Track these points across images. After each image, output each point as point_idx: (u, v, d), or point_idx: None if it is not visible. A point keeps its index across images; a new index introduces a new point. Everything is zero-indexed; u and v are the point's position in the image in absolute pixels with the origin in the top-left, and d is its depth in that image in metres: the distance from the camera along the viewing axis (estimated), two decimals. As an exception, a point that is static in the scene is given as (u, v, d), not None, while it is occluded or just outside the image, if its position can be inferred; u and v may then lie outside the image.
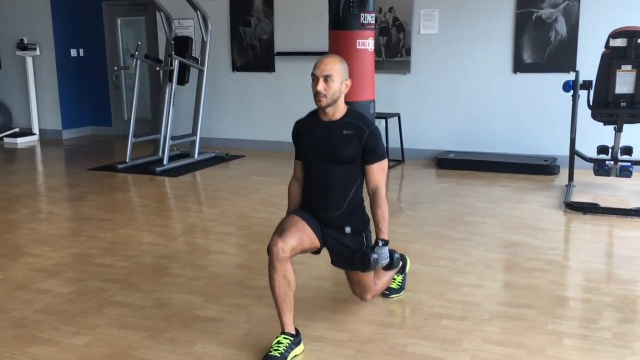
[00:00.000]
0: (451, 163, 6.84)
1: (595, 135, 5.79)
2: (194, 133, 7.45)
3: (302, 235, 2.89)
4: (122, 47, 9.46)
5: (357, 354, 2.86)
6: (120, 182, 6.60)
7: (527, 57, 6.77)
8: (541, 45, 6.68)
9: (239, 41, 8.05)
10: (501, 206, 5.26)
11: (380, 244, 2.92)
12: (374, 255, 2.87)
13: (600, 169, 5.48)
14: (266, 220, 4.99)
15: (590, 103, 5.24)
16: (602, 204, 5.05)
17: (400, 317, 3.28)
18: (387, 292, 3.44)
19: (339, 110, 2.92)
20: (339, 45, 5.29)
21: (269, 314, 3.25)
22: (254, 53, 8.01)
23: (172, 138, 7.18)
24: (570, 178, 5.77)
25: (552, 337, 2.96)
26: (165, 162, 7.00)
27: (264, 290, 3.54)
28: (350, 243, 3.01)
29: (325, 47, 7.37)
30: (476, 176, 6.41)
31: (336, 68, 2.83)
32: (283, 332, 2.83)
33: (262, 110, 8.10)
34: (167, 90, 7.41)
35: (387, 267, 2.98)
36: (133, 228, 4.91)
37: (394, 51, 7.29)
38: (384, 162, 2.97)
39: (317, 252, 3.09)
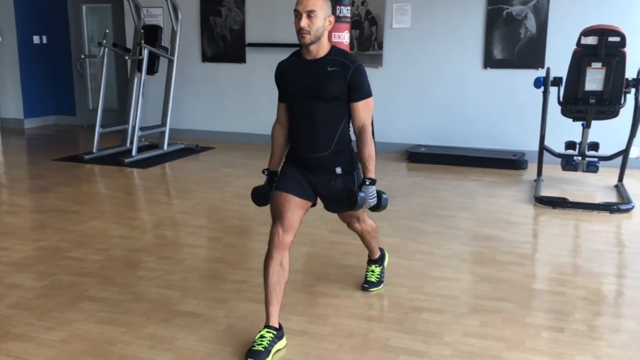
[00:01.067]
0: (422, 157, 6.89)
1: (562, 131, 5.90)
2: (164, 124, 7.33)
3: (298, 210, 2.88)
4: (87, 35, 9.24)
5: (340, 348, 2.86)
6: (87, 173, 6.46)
7: (497, 53, 6.85)
8: (511, 41, 6.78)
9: (210, 31, 7.94)
10: (473, 200, 5.33)
11: (367, 182, 2.86)
12: (361, 194, 2.82)
13: (568, 164, 5.59)
14: (240, 213, 4.96)
15: (560, 99, 5.33)
16: (571, 199, 5.16)
17: (380, 310, 3.30)
18: (367, 286, 3.45)
19: (323, 48, 2.85)
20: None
21: (249, 309, 3.24)
22: (225, 43, 7.92)
23: (141, 129, 7.05)
24: (539, 173, 5.88)
25: (530, 329, 3.02)
26: (134, 153, 6.88)
27: (243, 284, 3.54)
28: (342, 184, 2.95)
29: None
30: (447, 170, 6.48)
31: (319, 3, 2.75)
32: (267, 326, 2.81)
33: (232, 101, 8.02)
34: (136, 80, 7.27)
35: (375, 208, 2.92)
36: (104, 220, 4.81)
37: (366, 44, 7.30)
38: (370, 100, 2.91)
39: (312, 205, 3.06)
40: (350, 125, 2.94)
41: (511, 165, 6.56)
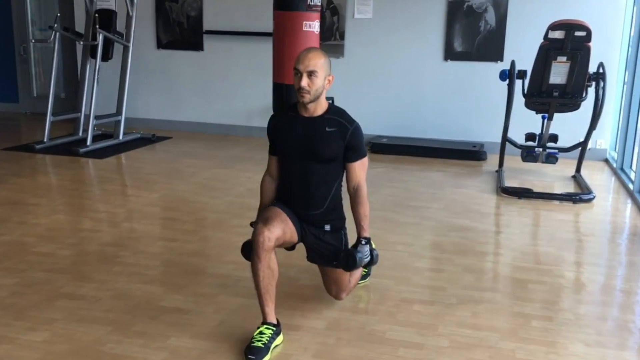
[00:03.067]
0: (384, 148, 6.92)
1: (520, 123, 6.02)
2: (119, 113, 7.08)
3: (285, 227, 2.81)
4: (30, 18, 8.80)
5: (338, 342, 2.83)
6: (40, 164, 6.17)
7: (458, 46, 6.94)
8: (471, 34, 6.87)
9: (165, 17, 7.71)
10: (442, 191, 5.39)
11: (362, 242, 2.90)
12: (359, 254, 2.85)
13: (529, 155, 5.73)
14: (211, 205, 4.85)
15: (525, 92, 5.45)
16: (533, 189, 5.28)
17: (372, 303, 3.28)
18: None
19: (321, 107, 2.85)
20: (285, 27, 5.18)
21: (238, 303, 3.16)
22: (181, 30, 7.70)
23: (96, 117, 6.78)
24: (501, 164, 6.01)
25: (520, 319, 3.07)
26: (89, 143, 6.61)
27: (227, 278, 3.46)
28: (330, 240, 2.97)
29: (260, 27, 7.28)
30: (410, 161, 6.54)
31: (320, 63, 2.75)
32: (265, 322, 2.75)
33: (189, 90, 7.82)
34: (89, 66, 6.99)
35: (367, 265, 2.97)
36: (68, 214, 4.60)
37: (328, 34, 7.25)
38: (365, 160, 2.95)
39: (292, 247, 3.03)
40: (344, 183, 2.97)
41: (471, 156, 6.67)
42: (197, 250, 3.95)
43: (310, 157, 2.84)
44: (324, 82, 2.78)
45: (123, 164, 6.36)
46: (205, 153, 6.65)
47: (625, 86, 6.33)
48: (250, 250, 2.82)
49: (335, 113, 2.88)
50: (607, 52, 6.18)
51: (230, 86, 7.55)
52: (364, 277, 3.44)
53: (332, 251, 2.96)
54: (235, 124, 7.57)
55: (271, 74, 6.15)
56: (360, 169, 2.92)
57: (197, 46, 7.68)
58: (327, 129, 2.82)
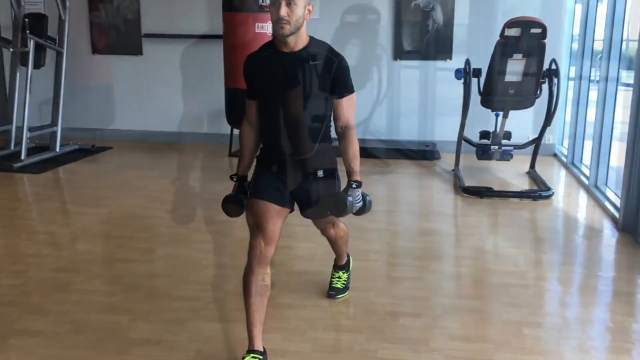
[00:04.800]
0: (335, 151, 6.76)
1: (470, 120, 6.00)
2: (54, 123, 6.63)
3: (279, 220, 2.63)
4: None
5: (329, 365, 2.65)
6: (-30, 182, 5.68)
7: (407, 45, 6.87)
8: (420, 33, 6.81)
9: (100, 21, 7.28)
10: (402, 193, 5.30)
11: (353, 185, 2.61)
12: (350, 198, 2.58)
13: (485, 153, 5.71)
14: (165, 220, 4.56)
15: (480, 90, 5.41)
16: (493, 188, 5.24)
17: (355, 319, 3.10)
18: (333, 293, 3.25)
19: (302, 40, 2.58)
20: (235, 29, 4.98)
21: (213, 329, 2.93)
22: (118, 34, 7.30)
23: (30, 129, 6.32)
24: (457, 163, 5.97)
25: (510, 327, 2.97)
26: (23, 157, 6.15)
27: (196, 301, 3.22)
28: (323, 188, 2.71)
29: (204, 29, 6.98)
30: (365, 163, 6.33)
31: None
32: (252, 351, 2.53)
33: (129, 97, 7.42)
34: (19, 75, 6.51)
35: (360, 211, 2.69)
36: (8, 237, 4.22)
37: (274, 35, 7.03)
38: (354, 96, 2.69)
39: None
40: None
41: (425, 156, 6.61)
42: (159, 271, 3.67)
43: (295, 95, 2.58)
44: (304, 11, 2.52)
45: (62, 179, 5.95)
46: (152, 163, 6.31)
47: (570, 82, 6.42)
48: (231, 203, 2.71)
49: (318, 45, 2.63)
50: (552, 47, 6.23)
51: (173, 92, 7.19)
52: (343, 290, 3.27)
53: (327, 198, 2.69)
54: (181, 131, 7.22)
55: (218, 78, 5.93)
56: (349, 105, 2.66)
57: (136, 50, 7.29)
58: (311, 62, 2.56)
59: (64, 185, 5.83)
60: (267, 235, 2.56)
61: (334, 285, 3.28)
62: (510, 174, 5.99)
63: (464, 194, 5.23)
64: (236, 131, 5.82)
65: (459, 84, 5.87)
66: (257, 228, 2.58)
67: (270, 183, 2.68)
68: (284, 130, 2.64)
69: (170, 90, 7.21)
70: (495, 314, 3.11)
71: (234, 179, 2.81)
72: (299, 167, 2.68)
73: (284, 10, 2.46)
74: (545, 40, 4.98)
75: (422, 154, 6.63)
